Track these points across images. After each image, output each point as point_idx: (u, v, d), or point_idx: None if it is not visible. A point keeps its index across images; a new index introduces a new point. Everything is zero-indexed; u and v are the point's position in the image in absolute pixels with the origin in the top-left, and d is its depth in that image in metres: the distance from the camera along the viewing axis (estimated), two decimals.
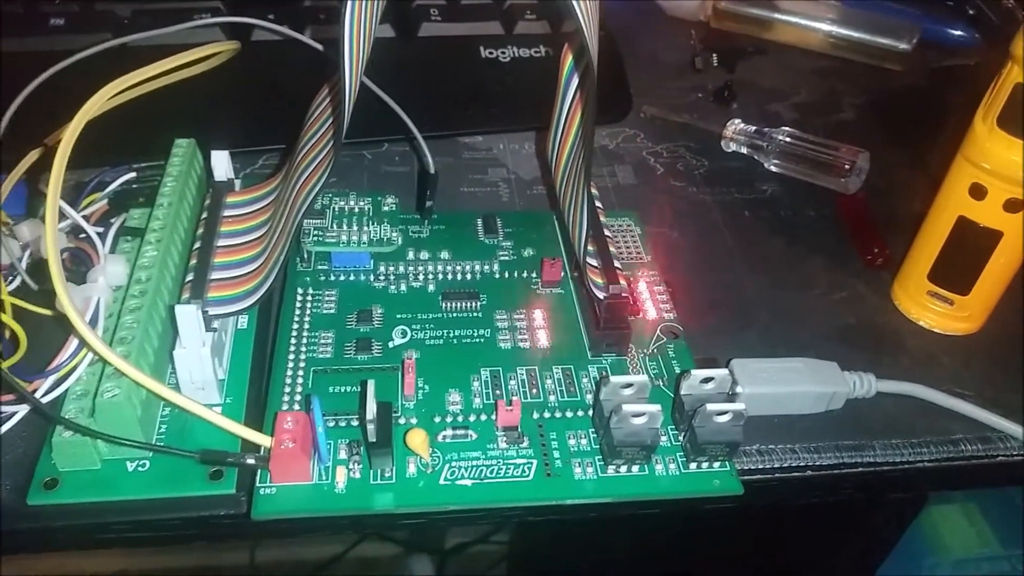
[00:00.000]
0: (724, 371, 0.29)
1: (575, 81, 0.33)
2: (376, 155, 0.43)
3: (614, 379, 0.28)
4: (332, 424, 0.29)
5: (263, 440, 0.26)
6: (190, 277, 0.30)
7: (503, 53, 0.48)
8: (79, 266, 0.32)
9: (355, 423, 0.29)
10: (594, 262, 0.32)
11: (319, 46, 0.45)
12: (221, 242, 0.32)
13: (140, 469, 0.28)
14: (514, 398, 0.29)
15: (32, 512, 0.26)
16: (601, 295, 0.31)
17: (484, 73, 0.47)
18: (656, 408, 0.27)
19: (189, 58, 0.41)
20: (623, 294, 0.31)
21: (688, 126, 0.47)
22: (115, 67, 0.34)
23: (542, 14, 0.50)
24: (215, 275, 0.30)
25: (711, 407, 0.27)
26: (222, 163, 0.34)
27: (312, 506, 0.26)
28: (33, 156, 0.35)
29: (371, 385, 0.26)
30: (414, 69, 0.46)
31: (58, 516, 0.27)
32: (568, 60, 0.32)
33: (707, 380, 0.29)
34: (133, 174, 0.37)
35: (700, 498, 0.28)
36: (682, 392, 0.29)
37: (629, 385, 0.28)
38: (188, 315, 0.27)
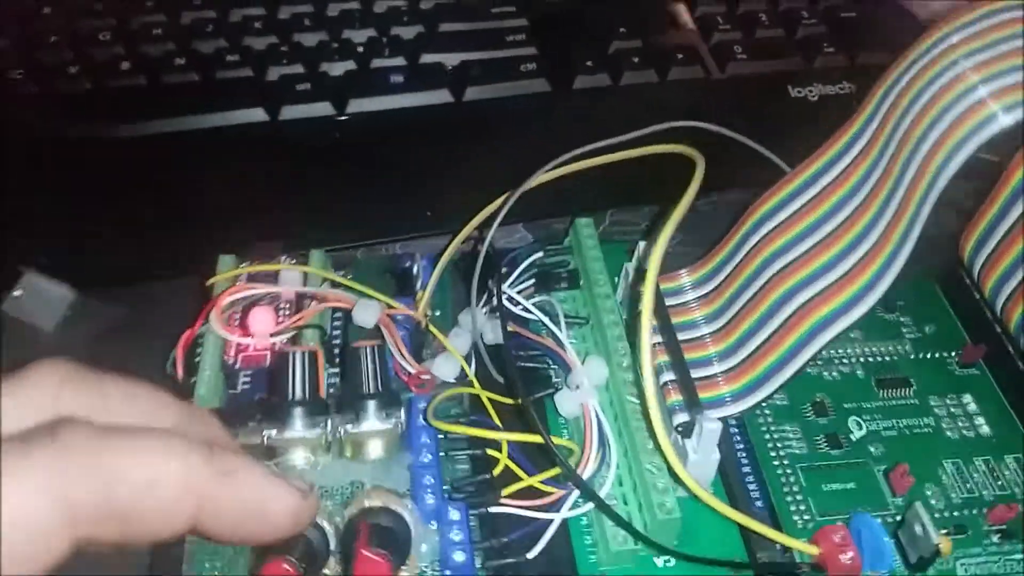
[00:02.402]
0: None
1: None
2: None
3: None
4: None
5: (806, 548, 0.29)
6: (671, 377, 0.33)
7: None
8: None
9: None
10: None
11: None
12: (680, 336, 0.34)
13: (667, 565, 0.31)
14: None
15: None
16: None
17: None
18: None
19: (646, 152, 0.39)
20: None
21: None
22: None
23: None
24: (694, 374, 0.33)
25: None
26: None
27: None
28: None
29: (920, 508, 0.29)
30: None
31: None
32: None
33: None
34: (541, 254, 0.39)
35: None
36: None
37: None
38: (714, 431, 0.30)
